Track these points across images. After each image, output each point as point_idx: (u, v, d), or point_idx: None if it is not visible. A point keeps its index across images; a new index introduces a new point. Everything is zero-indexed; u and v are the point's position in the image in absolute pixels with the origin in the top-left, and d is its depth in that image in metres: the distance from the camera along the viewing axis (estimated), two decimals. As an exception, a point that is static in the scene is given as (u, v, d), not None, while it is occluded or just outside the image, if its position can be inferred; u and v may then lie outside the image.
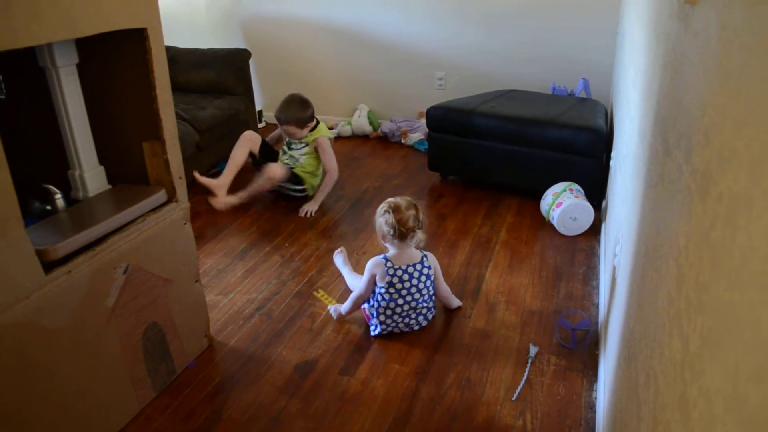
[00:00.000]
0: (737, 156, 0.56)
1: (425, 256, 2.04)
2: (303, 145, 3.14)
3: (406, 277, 1.98)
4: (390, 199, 2.01)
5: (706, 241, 0.65)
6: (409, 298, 1.99)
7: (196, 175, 3.00)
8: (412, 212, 1.96)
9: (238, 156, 3.13)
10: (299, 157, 3.15)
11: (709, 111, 0.71)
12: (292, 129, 3.05)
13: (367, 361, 1.94)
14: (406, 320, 2.03)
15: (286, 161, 3.18)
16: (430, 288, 2.05)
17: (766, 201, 0.47)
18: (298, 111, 3.04)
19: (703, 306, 0.63)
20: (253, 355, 1.98)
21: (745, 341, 0.49)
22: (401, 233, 1.94)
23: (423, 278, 2.01)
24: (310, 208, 3.03)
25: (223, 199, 3.02)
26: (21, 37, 1.21)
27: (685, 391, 0.66)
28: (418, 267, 2.00)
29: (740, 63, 0.58)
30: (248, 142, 3.16)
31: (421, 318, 2.06)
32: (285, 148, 3.21)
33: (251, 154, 3.20)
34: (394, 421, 1.70)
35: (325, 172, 3.14)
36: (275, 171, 2.99)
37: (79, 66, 1.65)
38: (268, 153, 3.24)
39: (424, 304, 2.04)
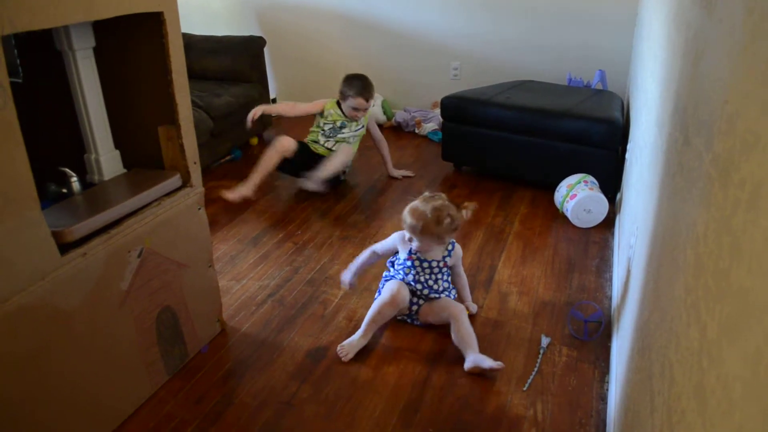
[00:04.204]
0: (761, 141, 0.55)
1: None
2: (360, 126, 3.19)
3: None
4: (427, 209, 1.90)
5: (726, 228, 0.64)
6: None
7: (224, 194, 2.89)
8: (437, 203, 1.94)
9: (270, 162, 2.97)
10: (352, 138, 3.18)
11: (732, 97, 0.70)
12: (365, 107, 3.09)
13: (379, 348, 1.94)
14: None
15: (331, 146, 3.13)
16: None
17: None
18: (372, 90, 3.10)
19: (722, 293, 0.62)
20: (265, 341, 1.99)
21: (766, 326, 0.48)
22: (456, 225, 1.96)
23: None
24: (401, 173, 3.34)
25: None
26: (38, 19, 1.22)
27: (702, 379, 0.66)
28: None
29: (767, 47, 0.57)
30: (283, 150, 2.98)
31: None
32: (327, 131, 3.13)
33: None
34: (405, 408, 1.71)
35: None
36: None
37: (95, 50, 1.66)
38: (305, 159, 3.06)
39: None
